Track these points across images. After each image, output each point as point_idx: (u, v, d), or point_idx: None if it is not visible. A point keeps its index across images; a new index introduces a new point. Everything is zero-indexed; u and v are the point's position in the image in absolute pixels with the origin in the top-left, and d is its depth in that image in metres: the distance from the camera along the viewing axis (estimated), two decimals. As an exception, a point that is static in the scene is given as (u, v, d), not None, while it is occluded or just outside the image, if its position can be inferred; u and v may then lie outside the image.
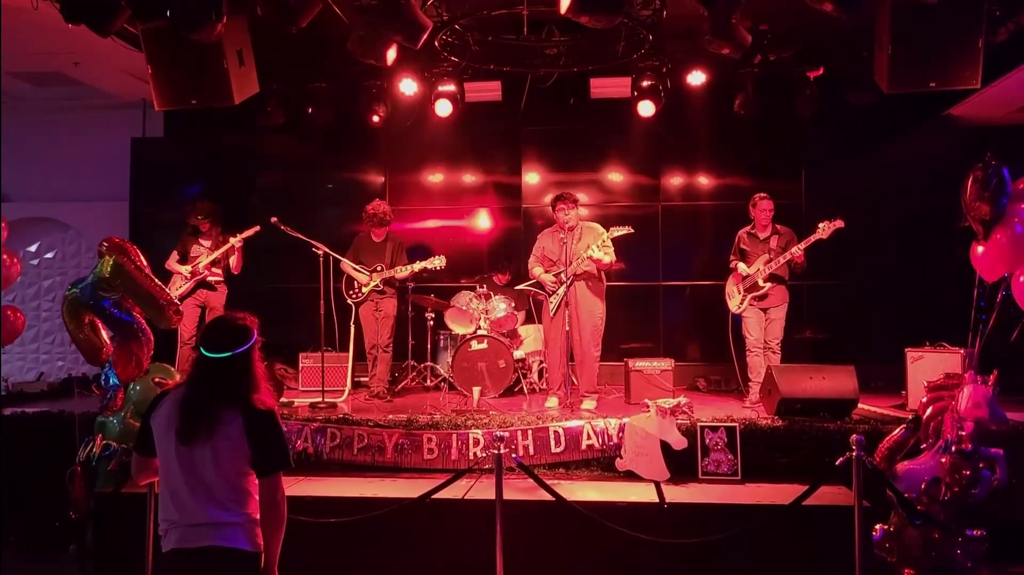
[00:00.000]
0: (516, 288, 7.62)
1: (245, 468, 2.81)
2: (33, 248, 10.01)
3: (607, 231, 6.65)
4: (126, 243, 5.22)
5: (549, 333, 6.92)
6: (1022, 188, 5.64)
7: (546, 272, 6.80)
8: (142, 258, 5.17)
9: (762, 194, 7.01)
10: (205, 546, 2.74)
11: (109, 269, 5.03)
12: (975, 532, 4.00)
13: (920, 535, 4.04)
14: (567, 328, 6.51)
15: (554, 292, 6.71)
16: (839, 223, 6.52)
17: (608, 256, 6.61)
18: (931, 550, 4.02)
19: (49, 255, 10.14)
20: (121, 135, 9.53)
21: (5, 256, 6.88)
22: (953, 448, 4.04)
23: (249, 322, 2.97)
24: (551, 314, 6.78)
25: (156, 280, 5.24)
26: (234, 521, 2.78)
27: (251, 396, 2.84)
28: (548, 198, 9.17)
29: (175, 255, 7.51)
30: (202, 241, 7.54)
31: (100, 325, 5.32)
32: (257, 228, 7.42)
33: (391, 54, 6.16)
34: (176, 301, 5.40)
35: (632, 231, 6.70)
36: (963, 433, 4.04)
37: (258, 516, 2.85)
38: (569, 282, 6.56)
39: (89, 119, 9.68)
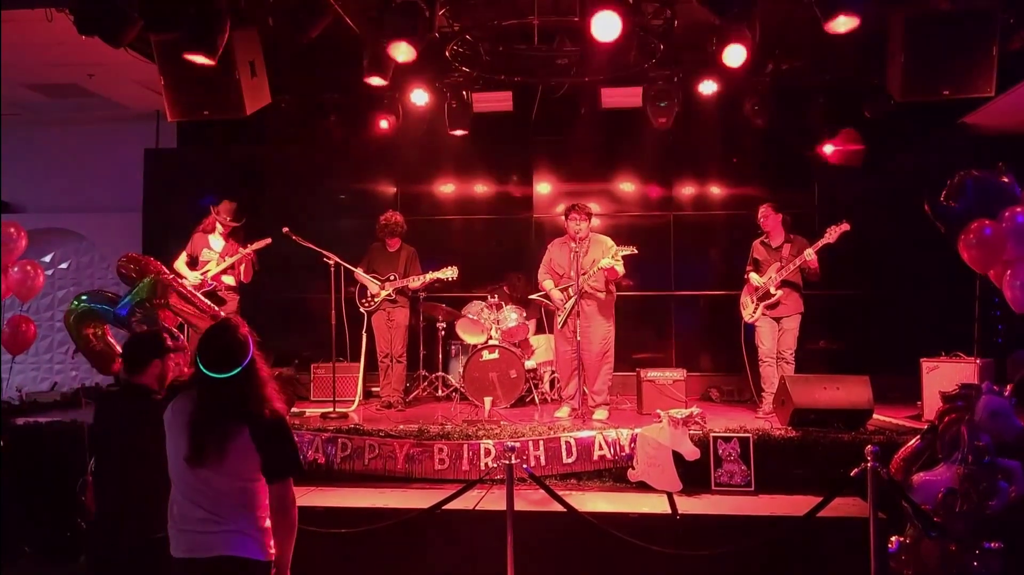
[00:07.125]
0: (529, 298, 7.59)
1: (255, 475, 2.77)
2: (47, 259, 10.05)
3: (615, 246, 6.63)
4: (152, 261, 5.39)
5: (559, 344, 6.90)
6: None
7: (556, 284, 6.78)
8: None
9: (763, 204, 7.02)
10: (216, 556, 2.71)
11: (148, 288, 5.16)
12: (992, 545, 3.94)
13: (937, 548, 3.99)
14: (577, 339, 6.49)
15: (563, 307, 6.70)
16: (845, 226, 6.49)
17: (620, 266, 6.58)
18: (948, 563, 3.97)
19: (63, 265, 10.20)
20: (135, 146, 9.61)
21: (29, 267, 6.95)
22: (969, 459, 3.99)
23: (243, 331, 2.85)
24: (559, 326, 6.78)
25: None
26: (244, 529, 2.75)
27: (261, 409, 2.77)
28: (560, 208, 9.21)
29: (184, 256, 7.21)
30: (212, 245, 7.26)
31: (109, 333, 5.35)
32: (268, 240, 7.22)
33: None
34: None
35: (636, 251, 6.66)
36: (979, 444, 4.00)
37: (269, 524, 2.81)
38: (577, 296, 6.54)
39: (103, 130, 9.78)
